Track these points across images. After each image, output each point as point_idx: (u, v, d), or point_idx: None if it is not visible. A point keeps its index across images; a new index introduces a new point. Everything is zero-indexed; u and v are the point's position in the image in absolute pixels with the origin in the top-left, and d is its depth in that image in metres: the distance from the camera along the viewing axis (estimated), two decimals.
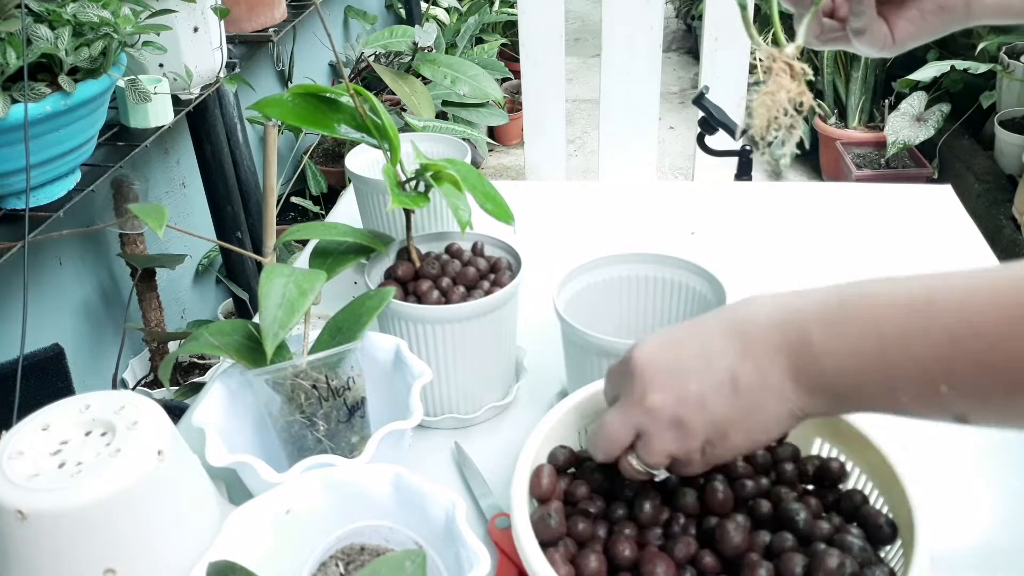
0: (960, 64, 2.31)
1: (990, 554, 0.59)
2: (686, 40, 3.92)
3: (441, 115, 2.05)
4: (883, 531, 0.48)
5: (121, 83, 1.20)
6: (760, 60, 0.50)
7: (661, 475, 0.49)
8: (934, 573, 0.44)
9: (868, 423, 0.52)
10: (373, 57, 2.18)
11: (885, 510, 0.50)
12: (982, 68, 2.28)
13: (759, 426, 0.42)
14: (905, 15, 0.61)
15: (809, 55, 2.83)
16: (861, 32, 0.61)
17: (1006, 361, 0.34)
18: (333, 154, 2.40)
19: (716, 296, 0.67)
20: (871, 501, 0.51)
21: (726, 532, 0.47)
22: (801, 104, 0.48)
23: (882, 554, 0.48)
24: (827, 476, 0.53)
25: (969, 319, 0.35)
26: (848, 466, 0.53)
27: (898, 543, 0.48)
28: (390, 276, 0.69)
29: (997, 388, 0.35)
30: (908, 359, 0.37)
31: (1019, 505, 0.63)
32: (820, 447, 0.55)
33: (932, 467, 0.65)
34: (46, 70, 0.99)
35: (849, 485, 0.53)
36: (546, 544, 0.47)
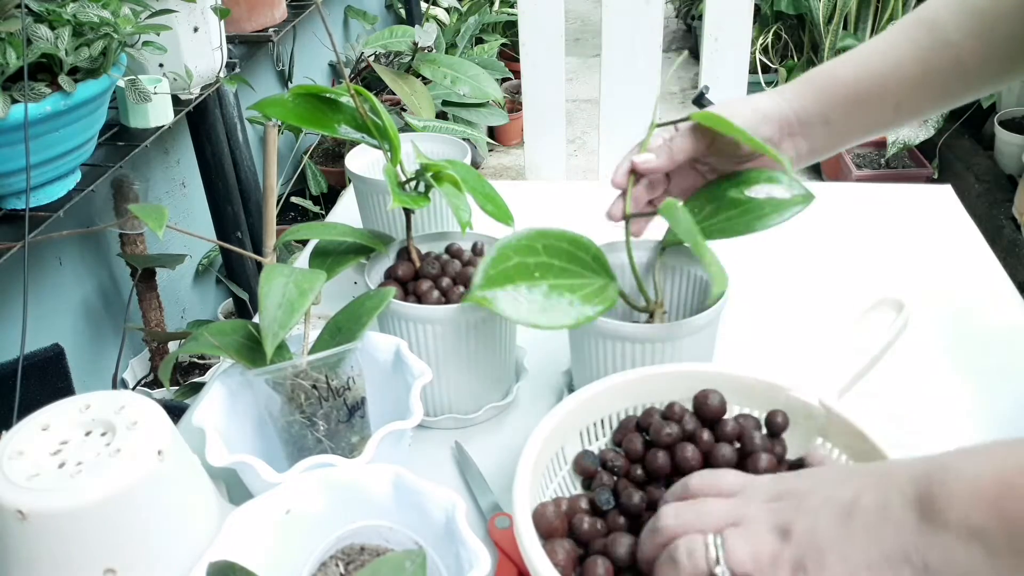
0: None
1: None
2: (686, 40, 3.92)
3: (441, 115, 2.05)
4: None
5: (121, 83, 1.20)
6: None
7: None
8: None
9: (868, 423, 0.52)
10: (373, 57, 2.18)
11: None
12: None
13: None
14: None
15: (809, 54, 2.84)
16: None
17: None
18: (333, 154, 2.40)
19: None
20: None
21: None
22: None
23: None
24: None
25: None
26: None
27: None
28: (390, 276, 0.69)
29: None
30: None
31: None
32: (821, 447, 0.55)
33: None
34: (46, 70, 0.99)
35: None
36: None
